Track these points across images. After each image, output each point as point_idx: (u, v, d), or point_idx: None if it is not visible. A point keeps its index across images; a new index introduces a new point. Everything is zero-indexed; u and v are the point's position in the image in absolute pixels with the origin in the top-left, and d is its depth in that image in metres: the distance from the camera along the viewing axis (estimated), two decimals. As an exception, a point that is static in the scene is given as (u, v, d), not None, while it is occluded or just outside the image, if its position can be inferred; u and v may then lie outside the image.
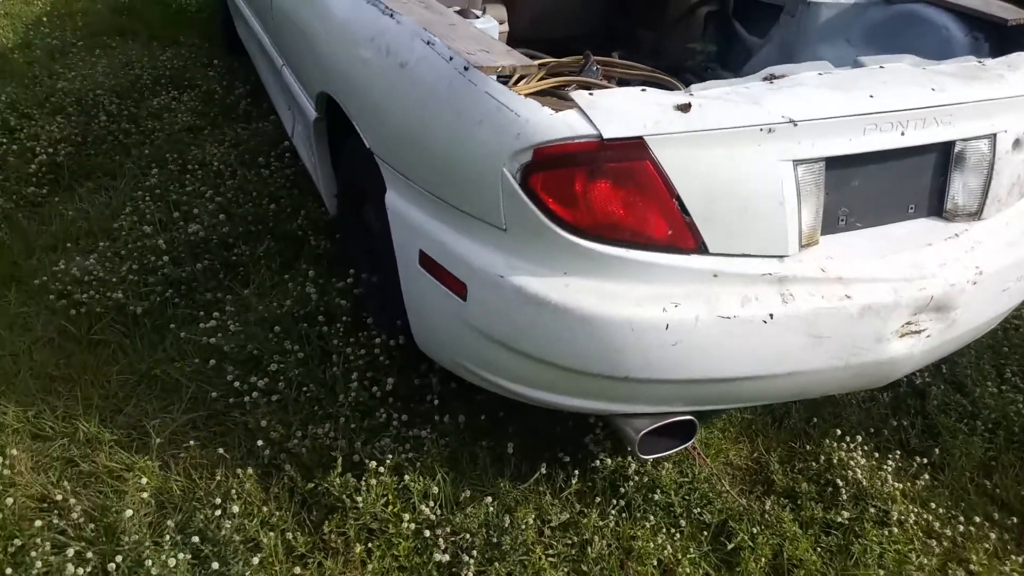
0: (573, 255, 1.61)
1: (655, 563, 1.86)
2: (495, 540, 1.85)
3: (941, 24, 2.26)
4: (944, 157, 1.80)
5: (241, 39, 4.04)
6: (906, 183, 1.80)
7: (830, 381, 1.82)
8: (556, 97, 1.69)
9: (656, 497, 1.98)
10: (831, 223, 1.72)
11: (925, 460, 2.18)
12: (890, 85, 1.71)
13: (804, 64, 1.84)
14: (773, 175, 1.60)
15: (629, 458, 2.05)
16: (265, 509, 1.88)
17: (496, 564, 1.82)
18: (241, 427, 2.11)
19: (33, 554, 1.70)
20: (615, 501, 1.97)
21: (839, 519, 1.98)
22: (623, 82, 2.28)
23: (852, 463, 2.11)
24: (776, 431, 2.26)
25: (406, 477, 1.93)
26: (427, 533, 1.83)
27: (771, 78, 1.71)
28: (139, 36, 4.89)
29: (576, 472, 2.01)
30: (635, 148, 1.53)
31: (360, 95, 2.06)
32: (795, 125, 1.58)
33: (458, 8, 2.18)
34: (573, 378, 1.71)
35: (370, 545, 1.83)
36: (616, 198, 1.57)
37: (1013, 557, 1.97)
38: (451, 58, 1.69)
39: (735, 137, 1.57)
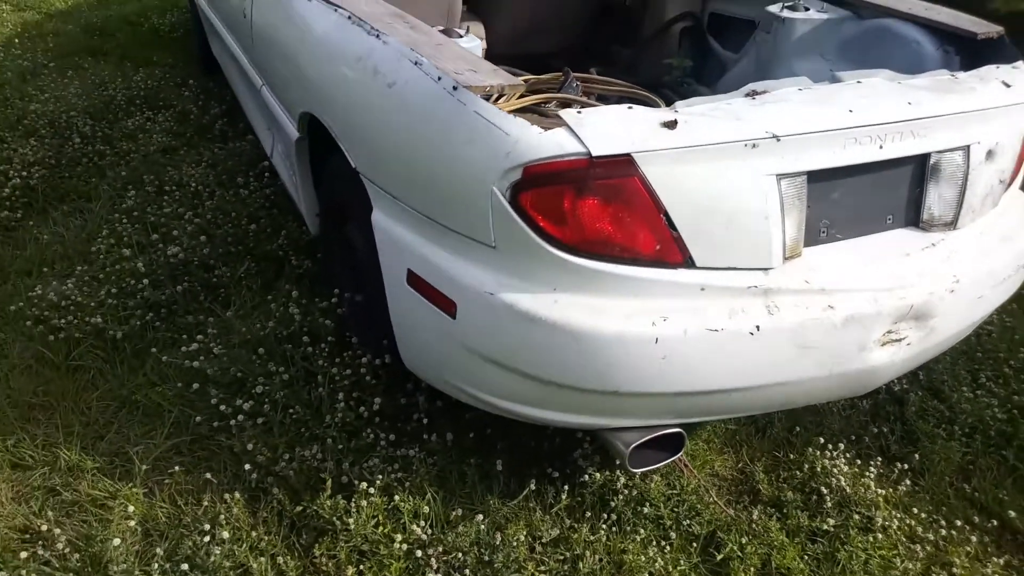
0: (562, 271, 1.62)
1: (647, 576, 1.87)
2: (487, 558, 1.85)
3: (913, 38, 2.32)
4: (920, 169, 1.85)
5: (217, 59, 4.02)
6: (884, 195, 1.84)
7: (815, 390, 1.85)
8: (537, 114, 1.71)
9: (645, 510, 1.99)
10: (813, 235, 1.76)
11: (906, 466, 2.21)
12: (868, 99, 1.75)
13: (784, 80, 1.88)
14: (757, 189, 1.63)
15: (618, 472, 2.06)
16: (254, 534, 1.85)
17: (489, 582, 1.82)
18: (226, 451, 2.08)
19: (18, 586, 1.67)
20: (605, 515, 1.97)
21: (825, 527, 2.00)
22: (602, 98, 2.32)
23: (835, 471, 2.14)
24: (760, 441, 2.29)
25: (396, 497, 1.92)
26: (419, 553, 1.82)
27: (753, 94, 1.74)
28: (111, 57, 4.86)
29: (565, 487, 2.01)
30: (623, 165, 1.55)
31: (346, 115, 2.06)
32: (778, 140, 1.61)
33: (442, 28, 2.20)
34: (563, 393, 1.72)
35: (362, 567, 1.82)
36: (605, 214, 1.59)
37: (995, 559, 2.00)
38: (439, 78, 1.70)
39: (720, 153, 1.59)
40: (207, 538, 1.79)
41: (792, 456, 2.21)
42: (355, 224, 2.29)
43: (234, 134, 3.83)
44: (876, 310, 1.71)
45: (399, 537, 1.83)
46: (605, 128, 1.57)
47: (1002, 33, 2.24)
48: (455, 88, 1.66)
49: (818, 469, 2.14)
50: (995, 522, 2.10)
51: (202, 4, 4.01)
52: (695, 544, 1.95)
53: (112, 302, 2.55)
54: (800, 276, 1.70)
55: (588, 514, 1.97)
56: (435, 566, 1.81)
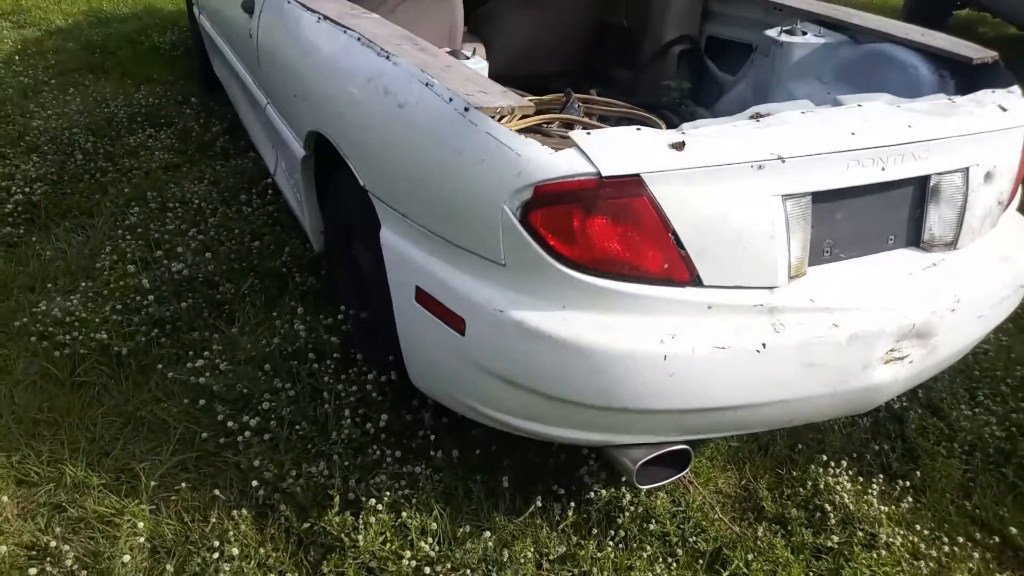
0: (572, 289, 1.64)
1: (653, 593, 1.88)
2: (495, 575, 1.85)
3: (909, 63, 2.37)
4: (920, 190, 1.88)
5: (219, 77, 4.05)
6: (886, 215, 1.87)
7: (819, 408, 1.87)
8: (540, 134, 1.74)
9: (651, 527, 2.00)
10: (817, 255, 1.79)
11: (907, 483, 2.24)
12: (869, 122, 1.79)
13: (787, 103, 1.92)
14: (763, 209, 1.66)
15: (624, 489, 2.07)
16: (262, 551, 1.85)
17: (497, 599, 1.82)
18: (233, 468, 2.08)
19: (27, 604, 1.66)
20: (612, 532, 1.98)
21: (829, 543, 2.02)
22: (603, 119, 2.35)
23: (838, 488, 2.15)
24: (763, 458, 2.30)
25: (403, 514, 1.93)
26: (427, 570, 1.83)
27: (757, 116, 1.78)
28: (112, 74, 4.89)
29: (572, 504, 2.02)
30: (632, 185, 1.58)
31: (355, 134, 2.09)
32: (783, 161, 1.65)
33: (448, 49, 2.24)
34: (572, 410, 1.73)
35: (370, 584, 1.82)
36: (614, 233, 1.61)
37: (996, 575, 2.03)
38: (451, 99, 1.73)
39: (727, 173, 1.63)
40: (216, 555, 1.79)
41: (795, 473, 2.23)
42: (362, 241, 2.31)
43: (235, 152, 3.85)
44: (880, 329, 1.74)
45: (408, 554, 1.83)
46: (614, 149, 1.61)
47: (996, 58, 2.30)
48: (467, 109, 1.69)
49: (821, 486, 2.16)
50: (996, 539, 2.11)
51: (205, 24, 4.05)
52: (701, 561, 1.96)
53: (117, 318, 2.55)
54: (805, 295, 1.73)
55: (595, 531, 1.98)
56: (443, 583, 1.82)
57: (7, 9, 6.21)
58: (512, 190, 1.60)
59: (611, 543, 1.96)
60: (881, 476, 2.24)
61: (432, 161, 1.79)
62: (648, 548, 1.95)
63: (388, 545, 1.87)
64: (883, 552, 2.01)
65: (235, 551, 1.80)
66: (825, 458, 2.24)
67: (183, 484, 2.01)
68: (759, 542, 2.01)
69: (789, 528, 2.06)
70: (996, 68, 2.27)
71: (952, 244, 1.95)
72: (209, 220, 3.13)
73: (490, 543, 1.90)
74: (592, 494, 2.05)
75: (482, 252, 1.71)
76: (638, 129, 1.68)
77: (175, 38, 5.56)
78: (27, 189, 3.31)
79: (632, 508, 2.03)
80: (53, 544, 1.81)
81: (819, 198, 1.73)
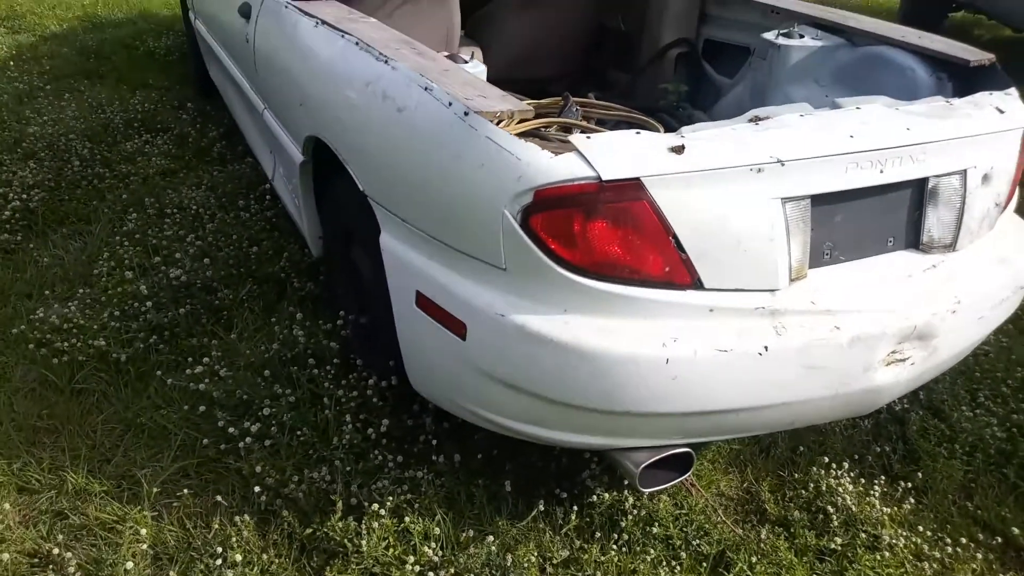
0: (573, 293, 1.65)
1: (657, 596, 1.88)
2: (498, 580, 1.85)
3: (907, 65, 2.37)
4: (919, 193, 1.89)
5: (215, 82, 4.05)
6: (885, 218, 1.88)
7: (821, 410, 1.87)
8: (537, 138, 1.73)
9: (654, 530, 1.99)
10: (817, 257, 1.79)
11: (909, 484, 2.24)
12: (868, 125, 1.79)
13: (785, 106, 1.93)
14: (763, 212, 1.66)
15: (626, 492, 2.07)
16: (265, 557, 1.85)
17: (500, 604, 1.82)
18: (234, 473, 2.08)
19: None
20: (615, 535, 1.98)
21: (832, 545, 2.02)
22: (600, 122, 2.36)
23: (840, 490, 2.15)
24: (764, 461, 2.30)
25: (406, 519, 1.93)
26: (431, 575, 1.82)
27: (756, 120, 1.78)
28: (107, 80, 4.88)
29: (574, 508, 2.02)
30: (632, 189, 1.58)
31: (354, 139, 2.09)
32: (783, 164, 1.65)
33: (447, 53, 2.24)
34: (574, 414, 1.73)
35: (372, 590, 1.82)
36: (615, 237, 1.61)
37: (999, 576, 2.03)
38: (450, 103, 1.73)
39: (727, 177, 1.63)
40: (219, 561, 1.79)
41: (796, 476, 2.23)
42: (361, 246, 2.31)
43: (232, 157, 3.85)
44: (881, 331, 1.75)
45: (411, 559, 1.83)
46: (614, 153, 1.61)
47: (994, 60, 2.30)
48: (466, 113, 1.69)
49: (823, 488, 2.16)
50: (999, 539, 2.12)
51: (201, 29, 4.04)
52: (705, 564, 1.96)
53: (115, 325, 2.55)
54: (806, 297, 1.73)
55: (598, 535, 1.98)
56: (446, 588, 1.82)
57: (1, 15, 6.20)
58: (512, 194, 1.60)
59: (614, 547, 1.96)
60: (883, 478, 2.24)
61: (431, 165, 1.79)
62: (652, 551, 1.95)
63: (391, 550, 1.86)
64: (886, 554, 2.02)
65: (238, 557, 1.79)
66: (827, 460, 2.24)
67: (185, 490, 2.01)
68: (763, 544, 2.01)
69: (792, 530, 2.06)
70: (993, 70, 2.28)
71: (951, 246, 1.96)
72: (207, 226, 3.13)
73: (493, 548, 1.90)
74: (595, 498, 2.05)
75: (483, 256, 1.71)
76: (638, 133, 1.68)
77: (170, 43, 5.55)
78: (24, 196, 3.30)
79: (635, 512, 2.02)
80: (56, 551, 1.80)
81: (818, 201, 1.73)
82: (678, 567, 1.93)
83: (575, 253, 1.62)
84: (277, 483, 2.01)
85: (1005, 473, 2.29)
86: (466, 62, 2.26)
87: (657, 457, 1.80)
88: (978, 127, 1.92)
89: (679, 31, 3.38)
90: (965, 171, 1.91)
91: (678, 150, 1.61)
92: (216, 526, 1.91)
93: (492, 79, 3.16)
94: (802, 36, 2.75)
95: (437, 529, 1.93)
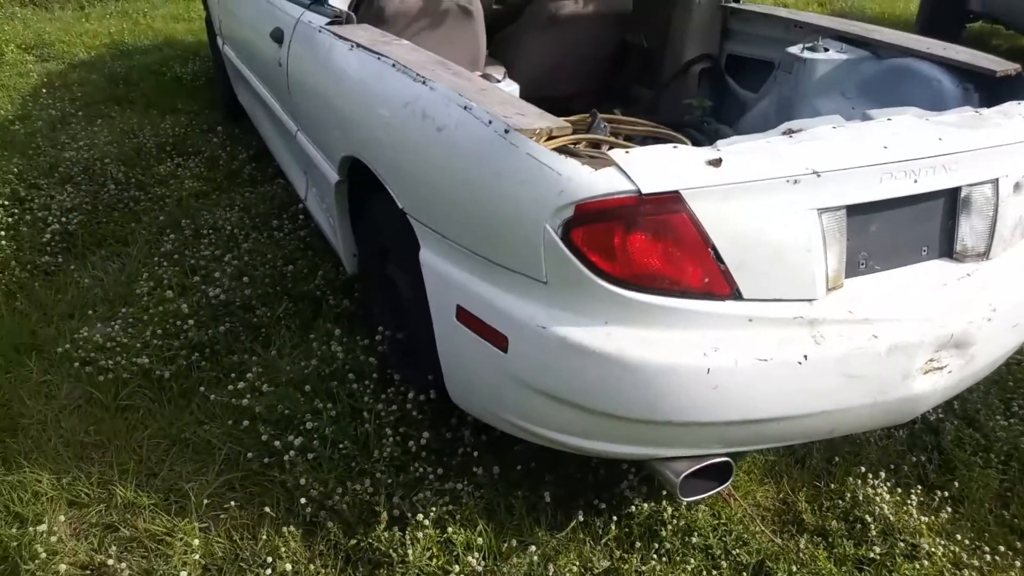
0: (614, 305, 1.68)
1: (698, 606, 1.89)
2: (541, 589, 1.88)
3: (933, 77, 2.40)
4: (952, 202, 1.91)
5: (243, 106, 4.13)
6: (918, 227, 1.90)
7: (859, 419, 1.89)
8: (569, 154, 1.76)
9: (694, 540, 2.01)
10: (853, 267, 1.81)
11: (945, 494, 2.24)
12: (900, 136, 1.82)
13: (818, 119, 1.96)
14: (800, 223, 1.69)
15: (665, 502, 2.09)
16: (312, 567, 1.88)
17: (544, 613, 1.84)
18: (278, 486, 2.12)
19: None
20: (655, 545, 2.00)
21: (871, 554, 2.03)
22: (628, 138, 2.40)
23: (877, 499, 2.16)
24: (799, 471, 2.31)
25: (449, 529, 1.96)
26: (474, 585, 1.85)
27: (790, 132, 1.82)
28: (137, 105, 4.99)
29: (614, 518, 2.04)
30: (672, 202, 1.62)
31: (393, 158, 2.14)
32: (818, 176, 1.68)
33: (480, 73, 2.29)
34: (616, 424, 1.76)
35: (418, 600, 1.84)
36: (655, 249, 1.65)
37: (1039, 585, 2.03)
38: (490, 121, 1.78)
39: (764, 189, 1.66)
40: (268, 571, 1.82)
41: (833, 486, 2.24)
42: (398, 263, 2.35)
43: (263, 178, 3.92)
44: (918, 339, 1.77)
45: (455, 569, 1.86)
46: (653, 166, 1.65)
47: (1020, 70, 2.33)
48: (507, 131, 1.74)
49: (860, 498, 2.16)
50: (1037, 548, 2.12)
51: (230, 54, 4.13)
52: (745, 574, 1.97)
53: (157, 343, 2.60)
54: (843, 307, 1.75)
55: (637, 544, 2.00)
56: (490, 598, 1.84)
57: (31, 43, 6.35)
58: (553, 209, 1.64)
59: (654, 556, 1.97)
60: (919, 487, 2.24)
61: (472, 182, 1.84)
62: (691, 561, 1.96)
63: (435, 560, 1.89)
64: (925, 562, 2.02)
65: (287, 567, 1.83)
66: (863, 470, 2.24)
67: (231, 503, 2.05)
68: (801, 554, 2.02)
69: (830, 540, 2.07)
70: (1020, 80, 2.31)
71: (984, 254, 1.97)
72: (242, 246, 3.19)
73: (535, 557, 1.93)
74: (633, 508, 2.07)
75: (524, 270, 1.75)
76: (675, 147, 1.72)
77: (196, 68, 5.66)
78: (63, 219, 3.38)
79: (674, 522, 2.04)
80: (109, 563, 1.85)
81: (854, 211, 1.76)
82: (719, 576, 1.94)
83: (616, 265, 1.66)
84: (321, 495, 2.05)
85: (1042, 481, 2.29)
86: (499, 81, 2.31)
87: (697, 467, 1.82)
88: (1008, 136, 1.94)
89: (702, 47, 3.43)
90: (997, 180, 1.93)
91: (716, 163, 1.65)
92: (264, 538, 1.95)
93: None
94: (827, 50, 2.79)
95: (480, 539, 1.95)
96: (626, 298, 1.67)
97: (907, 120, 1.93)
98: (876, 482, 2.21)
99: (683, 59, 3.45)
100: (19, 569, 1.86)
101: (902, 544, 2.06)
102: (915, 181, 1.80)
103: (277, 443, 2.18)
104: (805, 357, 1.69)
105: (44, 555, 1.88)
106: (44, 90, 5.20)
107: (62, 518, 1.97)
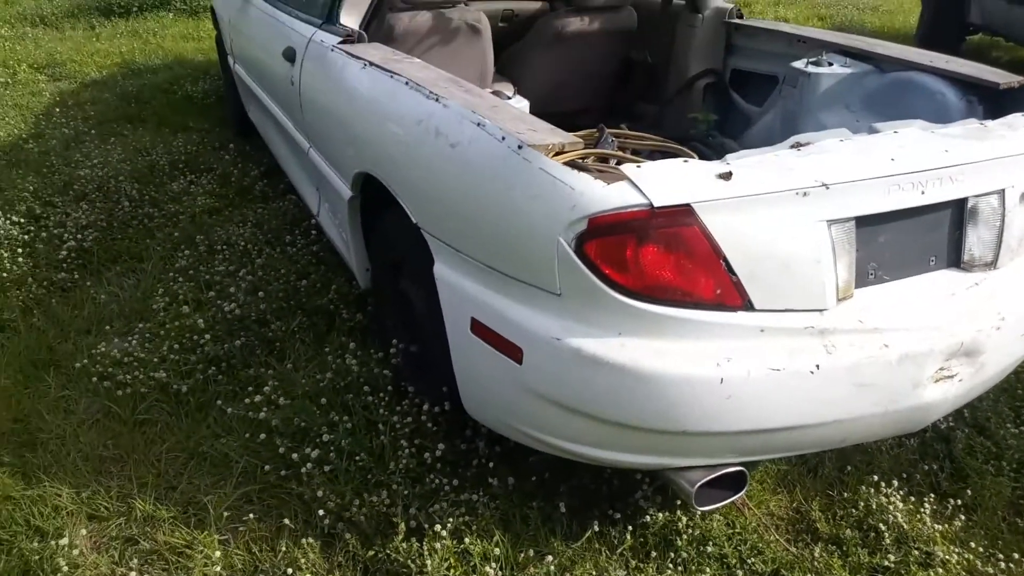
0: (627, 316, 1.71)
1: (714, 615, 1.91)
2: (557, 599, 1.89)
3: (936, 89, 2.44)
4: (959, 212, 1.94)
5: (254, 123, 4.19)
6: (926, 237, 1.93)
7: (871, 428, 1.91)
8: (578, 168, 1.79)
9: (709, 549, 2.03)
10: (862, 277, 1.84)
11: (958, 502, 2.25)
12: (907, 148, 1.86)
13: (825, 132, 2.00)
14: (810, 235, 1.72)
15: (679, 512, 2.11)
16: (330, 578, 1.91)
17: (560, 623, 1.86)
18: (295, 499, 2.14)
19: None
20: (671, 555, 2.01)
21: (886, 563, 2.04)
22: (635, 152, 2.44)
23: (891, 508, 2.17)
24: (812, 480, 2.33)
25: (466, 540, 1.98)
26: (492, 595, 1.87)
27: (798, 146, 1.85)
28: (149, 123, 5.05)
29: (629, 528, 2.06)
30: (684, 215, 1.65)
31: (407, 174, 2.17)
32: (827, 188, 1.72)
33: (491, 90, 2.33)
34: (630, 434, 1.79)
35: (435, 610, 1.86)
36: (667, 261, 1.68)
37: (1054, 593, 2.03)
38: (503, 137, 1.81)
39: (774, 201, 1.69)
40: (288, 583, 1.84)
41: (846, 495, 2.25)
42: (412, 277, 2.38)
43: (274, 194, 3.97)
44: (929, 348, 1.79)
45: (473, 579, 1.88)
46: (665, 180, 1.68)
47: (1023, 82, 2.36)
48: (520, 147, 1.78)
49: (873, 506, 2.18)
50: (1051, 555, 2.13)
51: (241, 72, 4.19)
52: (759, 582, 1.98)
53: (174, 357, 2.64)
54: (854, 316, 1.78)
55: (653, 554, 2.02)
56: (507, 608, 1.86)
57: (43, 63, 6.44)
58: (567, 222, 1.67)
59: (670, 566, 1.99)
60: (932, 495, 2.26)
61: (485, 197, 1.87)
62: (707, 570, 1.98)
63: (452, 571, 1.91)
64: (940, 570, 2.03)
65: (307, 579, 1.86)
66: (875, 479, 2.26)
67: (250, 515, 2.07)
68: (816, 563, 2.03)
69: (845, 548, 2.08)
70: (1023, 92, 2.34)
71: (992, 264, 2.00)
72: (256, 261, 3.23)
73: (551, 567, 1.94)
74: (648, 518, 2.09)
75: (537, 283, 1.78)
76: (685, 161, 1.75)
77: (207, 87, 5.73)
78: (79, 236, 3.43)
79: (689, 531, 2.06)
80: (131, 575, 1.87)
81: (862, 222, 1.79)
82: (734, 585, 1.96)
83: (629, 278, 1.69)
84: (338, 507, 2.07)
85: (1054, 489, 2.31)
86: (510, 98, 2.35)
87: (712, 476, 1.84)
88: (1014, 147, 1.97)
89: (706, 62, 3.48)
90: (1003, 190, 1.96)
91: (726, 176, 1.68)
92: (283, 549, 1.97)
93: (526, 112, 3.28)
94: (831, 64, 2.83)
95: (496, 550, 1.97)
96: (639, 309, 1.69)
97: (913, 132, 1.96)
98: (889, 491, 2.22)
99: (687, 74, 3.50)
100: (42, 582, 1.88)
101: (916, 552, 2.07)
102: (922, 192, 1.83)
103: (294, 455, 2.20)
104: (817, 366, 1.72)
105: (66, 568, 1.91)
106: (57, 109, 5.27)
107: (83, 531, 1.99)
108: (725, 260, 1.68)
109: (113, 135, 4.79)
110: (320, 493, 2.09)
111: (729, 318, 1.71)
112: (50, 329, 2.89)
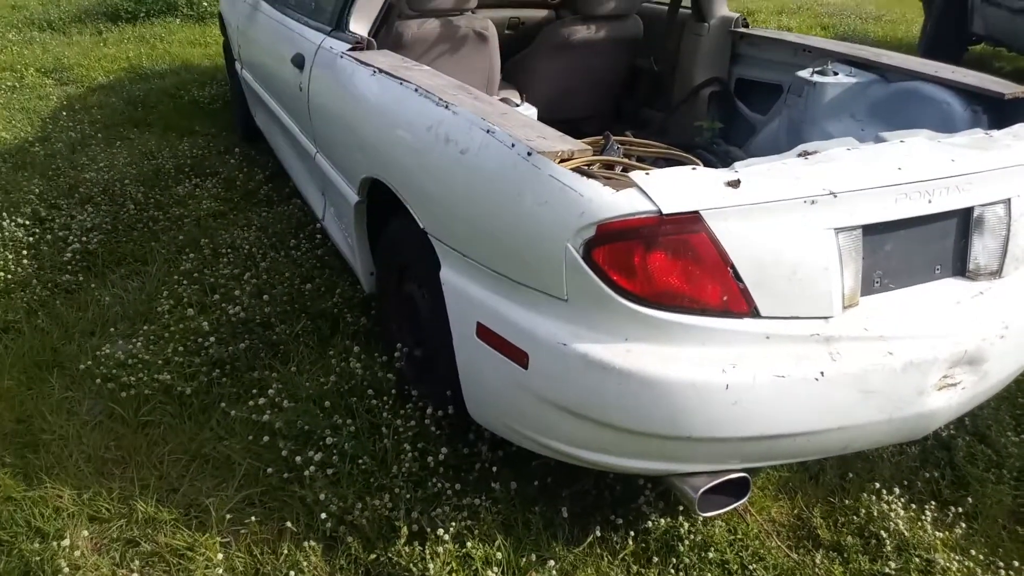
0: (634, 322, 1.71)
1: (716, 622, 1.91)
2: (560, 604, 1.89)
3: (941, 99, 2.45)
4: (965, 221, 1.95)
5: (260, 128, 4.20)
6: (932, 246, 1.94)
7: (875, 434, 1.91)
8: (585, 175, 1.79)
9: (711, 555, 2.03)
10: (868, 285, 1.84)
11: (959, 509, 2.25)
12: (914, 157, 1.87)
13: (832, 141, 2.01)
14: (817, 242, 1.73)
15: (681, 518, 2.11)
16: (333, 581, 1.91)
17: (563, 628, 1.85)
18: (298, 501, 2.14)
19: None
20: (672, 560, 2.01)
21: (887, 570, 2.04)
22: (641, 160, 2.44)
23: (892, 515, 2.17)
24: (814, 487, 2.33)
25: (468, 544, 1.98)
26: (494, 599, 1.87)
27: (805, 154, 1.86)
28: (155, 127, 5.07)
29: (631, 534, 2.06)
30: (692, 222, 1.65)
31: (415, 180, 2.18)
32: (835, 196, 1.72)
33: (500, 97, 2.35)
34: (635, 440, 1.79)
35: (438, 614, 1.86)
36: (675, 268, 1.68)
37: (1056, 603, 2.03)
38: (512, 144, 1.82)
39: (781, 209, 1.70)
40: (291, 585, 1.84)
41: (847, 502, 2.26)
42: (418, 281, 2.39)
43: (279, 199, 3.98)
44: (933, 356, 1.79)
45: (476, 583, 1.88)
46: (673, 187, 1.69)
47: (1029, 92, 2.38)
48: (530, 154, 1.79)
49: (875, 513, 2.18)
50: (1053, 565, 2.13)
51: (247, 77, 4.21)
52: (762, 589, 1.98)
53: (178, 359, 2.64)
54: (859, 324, 1.78)
55: (655, 560, 2.02)
56: (509, 612, 1.85)
57: (50, 67, 6.46)
58: (575, 229, 1.68)
59: (672, 571, 1.99)
60: (933, 503, 2.26)
61: (494, 203, 1.88)
62: (709, 576, 1.98)
63: (455, 575, 1.91)
64: (941, 578, 2.03)
65: (310, 582, 1.85)
66: (877, 486, 2.26)
67: (252, 518, 2.07)
68: (817, 569, 2.03)
69: (846, 555, 2.08)
70: (1028, 102, 2.35)
71: (997, 273, 2.01)
72: (260, 264, 3.24)
73: (553, 572, 1.94)
74: (650, 523, 2.09)
75: (545, 288, 1.79)
76: (693, 169, 1.76)
77: (213, 92, 5.75)
78: (83, 238, 3.44)
79: (691, 537, 2.06)
80: (135, 577, 1.87)
81: (869, 230, 1.80)
82: (737, 592, 1.96)
83: (636, 284, 1.69)
84: (341, 510, 2.07)
85: (1056, 499, 2.31)
86: (518, 105, 2.36)
87: (715, 482, 1.85)
88: (1019, 157, 1.98)
89: (711, 71, 3.50)
90: (1009, 200, 1.97)
91: (734, 184, 1.69)
92: (284, 552, 1.97)
93: (531, 119, 3.29)
94: (836, 73, 2.84)
95: (498, 554, 1.97)
96: (646, 315, 1.70)
97: (920, 142, 1.97)
98: (890, 498, 2.22)
99: (693, 83, 3.52)
100: (44, 582, 1.88)
101: (917, 559, 2.07)
102: (929, 201, 1.84)
103: (297, 458, 2.20)
104: (822, 373, 1.72)
105: (67, 569, 1.91)
106: (64, 113, 5.29)
107: (85, 533, 1.99)
108: (732, 267, 1.69)
109: (119, 139, 4.81)
110: (322, 496, 2.09)
111: (735, 325, 1.72)
112: (54, 331, 2.90)
